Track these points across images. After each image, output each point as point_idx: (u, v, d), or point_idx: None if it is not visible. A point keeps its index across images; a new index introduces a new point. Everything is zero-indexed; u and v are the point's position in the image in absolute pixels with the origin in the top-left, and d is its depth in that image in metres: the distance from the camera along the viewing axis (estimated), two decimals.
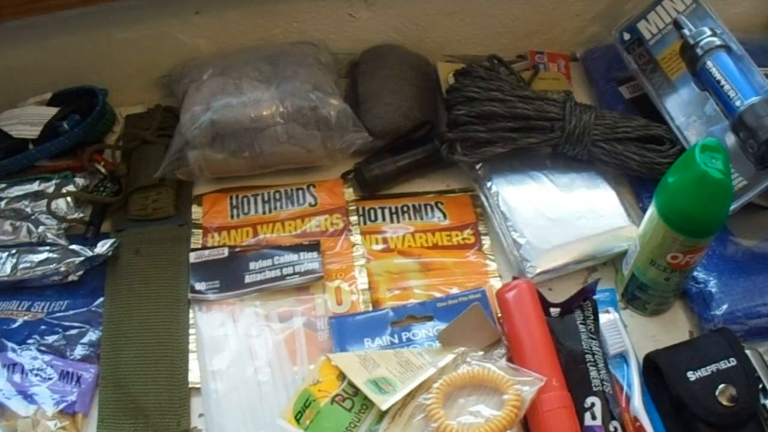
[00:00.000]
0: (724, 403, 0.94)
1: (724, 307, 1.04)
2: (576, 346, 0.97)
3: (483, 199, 1.12)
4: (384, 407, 0.88)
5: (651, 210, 0.97)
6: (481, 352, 0.97)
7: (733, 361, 0.97)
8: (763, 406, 0.97)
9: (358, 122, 1.12)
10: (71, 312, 1.04)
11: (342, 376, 0.93)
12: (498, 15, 1.27)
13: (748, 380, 0.96)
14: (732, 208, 1.05)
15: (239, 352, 0.99)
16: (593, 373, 0.95)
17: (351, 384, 0.91)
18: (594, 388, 0.94)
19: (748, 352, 1.00)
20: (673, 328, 1.07)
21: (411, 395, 0.91)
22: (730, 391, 0.95)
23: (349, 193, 1.14)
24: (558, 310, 1.02)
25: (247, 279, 1.05)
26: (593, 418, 0.92)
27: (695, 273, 1.06)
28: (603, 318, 1.02)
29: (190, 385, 0.98)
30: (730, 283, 1.06)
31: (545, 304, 1.01)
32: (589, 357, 0.96)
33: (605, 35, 1.25)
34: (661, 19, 1.19)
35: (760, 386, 0.98)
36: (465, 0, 1.23)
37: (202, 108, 1.10)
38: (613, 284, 1.09)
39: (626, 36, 1.21)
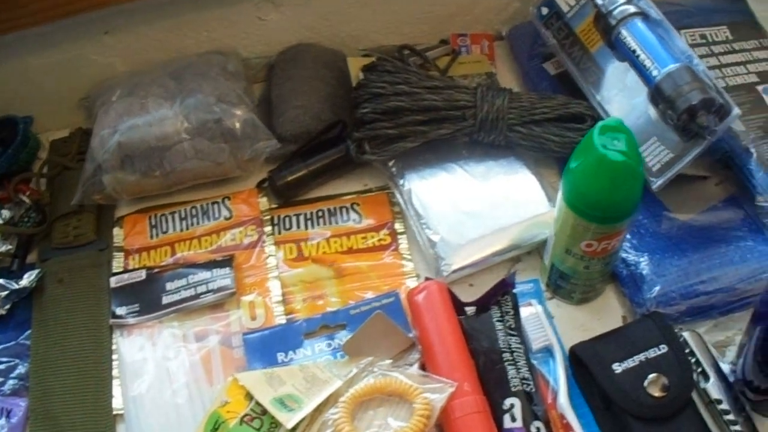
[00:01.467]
0: (655, 394, 0.90)
1: (657, 289, 0.99)
2: (493, 345, 0.94)
3: (398, 196, 1.08)
4: (289, 425, 0.85)
5: (559, 197, 0.92)
6: (389, 361, 0.93)
7: (663, 348, 0.93)
8: (704, 391, 0.93)
9: (265, 130, 1.09)
10: (0, 346, 1.02)
11: (250, 395, 0.90)
12: (413, 2, 1.23)
13: (681, 367, 0.92)
14: (659, 183, 1.01)
15: (157, 375, 0.97)
16: (512, 373, 0.92)
17: (258, 403, 0.89)
18: (513, 389, 0.91)
19: (686, 334, 0.97)
20: (604, 315, 1.02)
21: (319, 410, 0.89)
22: (662, 380, 0.91)
23: (263, 202, 1.10)
24: (474, 308, 0.98)
25: (165, 300, 1.02)
26: (513, 419, 0.89)
27: (624, 255, 1.02)
28: (525, 311, 0.99)
29: (114, 412, 0.96)
30: (663, 263, 1.01)
31: (458, 304, 0.97)
32: (507, 356, 0.93)
33: (527, 11, 1.19)
34: None
35: (699, 370, 0.94)
36: None
37: (109, 131, 1.08)
38: (538, 274, 1.04)
39: (544, 11, 1.16)
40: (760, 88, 1.16)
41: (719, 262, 1.02)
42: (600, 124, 0.86)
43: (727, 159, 1.09)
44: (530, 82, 1.22)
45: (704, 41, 1.19)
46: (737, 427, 0.91)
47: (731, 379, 0.95)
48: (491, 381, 0.92)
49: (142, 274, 1.06)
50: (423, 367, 0.94)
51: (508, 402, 0.90)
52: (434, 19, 1.27)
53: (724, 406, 0.92)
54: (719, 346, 0.99)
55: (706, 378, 0.94)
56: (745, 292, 1.00)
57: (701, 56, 1.16)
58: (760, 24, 1.25)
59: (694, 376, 0.94)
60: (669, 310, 0.99)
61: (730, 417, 0.92)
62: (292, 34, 1.21)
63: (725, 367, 0.96)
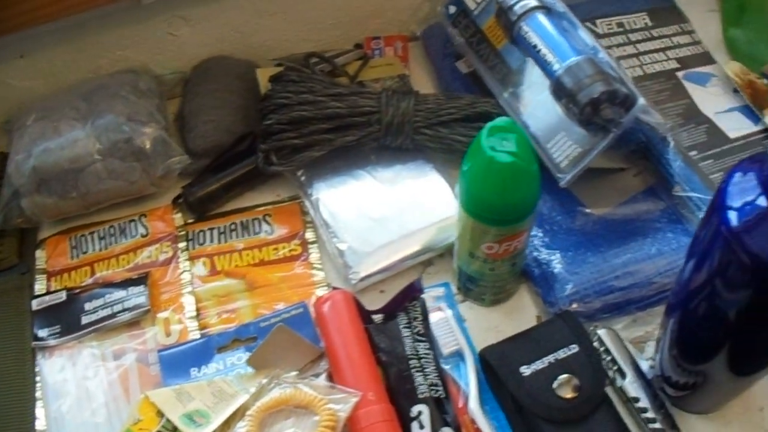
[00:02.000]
0: (566, 395, 0.90)
1: (569, 287, 0.98)
2: (400, 352, 0.94)
3: (308, 206, 1.07)
4: None
5: (458, 200, 0.91)
6: (295, 373, 0.93)
7: (574, 348, 0.93)
8: (621, 389, 0.92)
9: (175, 146, 1.08)
10: None
11: (161, 412, 0.90)
12: (323, 8, 1.22)
13: (592, 367, 0.91)
14: (567, 179, 1.00)
15: (77, 395, 0.97)
16: (419, 379, 0.91)
17: (170, 420, 0.88)
18: (421, 396, 0.90)
19: (601, 332, 0.96)
20: (518, 316, 1.02)
21: (227, 424, 0.88)
22: (573, 381, 0.90)
23: (178, 218, 1.10)
24: (381, 316, 0.97)
25: (84, 320, 1.02)
26: (421, 427, 0.88)
27: (536, 254, 1.01)
28: (435, 316, 0.99)
29: None
30: (576, 260, 1.01)
31: (365, 313, 0.96)
32: (414, 362, 0.92)
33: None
34: None
35: (615, 368, 0.93)
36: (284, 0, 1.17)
37: (24, 156, 1.07)
38: (450, 277, 1.03)
39: (452, 9, 1.15)
40: (680, 74, 1.16)
41: (635, 256, 1.02)
42: (489, 125, 0.85)
43: (644, 149, 1.08)
44: (444, 81, 1.21)
45: (622, 29, 1.19)
46: (656, 425, 0.90)
47: (650, 375, 0.94)
48: (399, 389, 0.92)
49: (63, 296, 1.05)
50: (331, 378, 0.93)
51: (415, 409, 0.90)
52: (347, 24, 1.26)
53: (642, 404, 0.91)
54: (638, 342, 0.98)
55: (623, 376, 0.93)
56: (663, 285, 0.99)
57: (618, 45, 1.15)
58: (681, 9, 1.23)
59: (611, 374, 0.94)
60: (583, 308, 0.98)
61: (649, 415, 0.91)
62: (205, 48, 1.20)
63: (644, 364, 0.95)
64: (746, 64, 1.22)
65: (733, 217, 0.68)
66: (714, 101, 1.17)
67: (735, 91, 1.19)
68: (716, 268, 0.71)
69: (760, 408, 0.95)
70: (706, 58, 1.23)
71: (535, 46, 1.03)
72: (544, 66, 1.02)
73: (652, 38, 1.23)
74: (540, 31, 1.03)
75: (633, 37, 1.22)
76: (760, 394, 0.95)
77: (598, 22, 1.22)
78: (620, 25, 1.23)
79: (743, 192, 0.69)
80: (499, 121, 0.86)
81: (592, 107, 0.97)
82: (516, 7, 1.05)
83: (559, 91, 1.00)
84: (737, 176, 0.71)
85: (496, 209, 0.88)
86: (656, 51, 1.22)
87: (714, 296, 0.73)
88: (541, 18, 1.04)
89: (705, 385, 0.85)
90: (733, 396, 0.93)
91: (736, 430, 0.93)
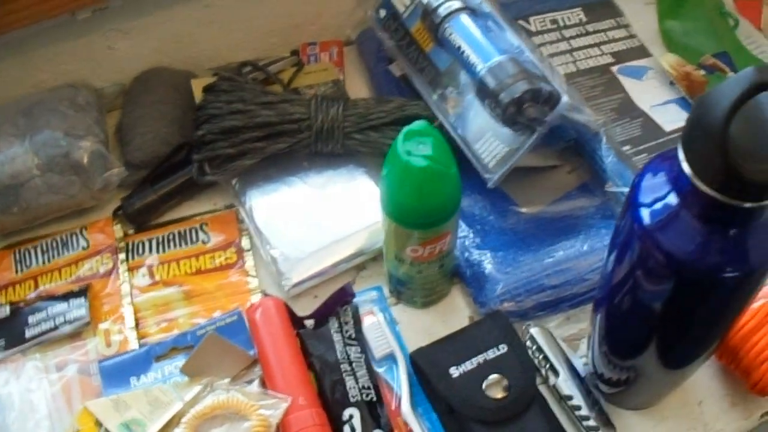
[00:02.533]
0: (496, 395, 0.91)
1: (499, 287, 0.99)
2: (331, 357, 0.95)
3: (243, 214, 1.08)
4: None
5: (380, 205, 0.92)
6: (228, 380, 0.94)
7: (503, 348, 0.94)
8: (554, 388, 0.93)
9: (112, 159, 1.10)
10: None
11: (99, 422, 0.92)
12: (258, 16, 1.23)
13: (521, 366, 0.93)
14: (494, 179, 1.00)
15: (21, 407, 0.98)
16: (350, 383, 0.93)
17: (108, 429, 0.91)
18: (352, 399, 0.91)
19: (534, 330, 0.97)
20: (451, 317, 1.02)
21: None
22: (503, 381, 0.91)
23: (118, 230, 1.11)
24: (313, 321, 0.98)
25: (27, 333, 1.03)
26: (353, 430, 0.90)
27: (467, 254, 1.02)
28: (367, 320, 0.99)
29: None
30: (507, 260, 1.01)
31: (296, 319, 0.98)
32: (345, 366, 0.94)
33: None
34: None
35: (548, 366, 0.94)
36: (219, 8, 1.19)
37: None
38: (383, 280, 1.04)
39: (382, 13, 1.15)
40: (614, 68, 1.16)
41: (567, 254, 1.02)
42: (405, 129, 0.86)
43: (577, 145, 1.08)
44: (377, 85, 1.22)
45: (555, 26, 1.20)
46: (590, 422, 0.91)
47: (583, 373, 0.95)
48: (330, 393, 0.93)
49: (6, 310, 1.06)
50: (264, 384, 0.94)
51: (347, 413, 0.91)
52: (283, 31, 1.27)
53: (576, 401, 0.92)
54: (572, 340, 0.99)
55: (556, 374, 0.94)
56: (596, 282, 0.99)
57: (552, 42, 1.16)
58: (615, 3, 1.24)
59: (544, 372, 0.95)
60: (515, 308, 0.99)
61: (582, 412, 0.92)
62: (144, 60, 1.21)
63: (577, 362, 0.96)
64: (683, 55, 1.23)
65: (645, 215, 0.69)
66: (650, 94, 1.18)
67: (671, 83, 1.19)
68: (636, 262, 0.72)
69: (699, 402, 0.96)
70: (642, 52, 1.24)
71: (459, 48, 1.04)
72: (468, 67, 1.03)
73: (587, 33, 1.23)
74: (463, 32, 1.04)
75: (567, 33, 1.23)
76: (700, 388, 0.96)
77: (531, 19, 1.23)
78: (554, 21, 1.24)
79: (655, 189, 0.70)
80: (416, 125, 0.87)
81: (516, 107, 0.98)
82: (440, 9, 1.06)
83: (482, 91, 1.01)
84: (650, 173, 0.72)
85: (416, 213, 0.89)
86: (590, 46, 1.22)
87: (636, 290, 0.74)
88: (465, 19, 1.05)
89: (638, 381, 0.85)
90: (669, 390, 0.93)
91: (673, 424, 0.94)
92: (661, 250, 0.68)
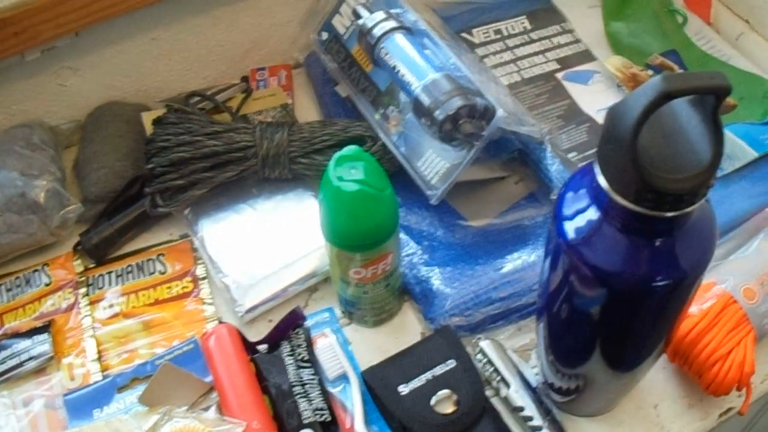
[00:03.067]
0: (445, 411, 0.92)
1: (448, 302, 1.00)
2: (284, 380, 0.97)
3: (197, 243, 1.10)
4: None
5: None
6: (185, 407, 0.96)
7: (451, 363, 0.95)
8: (506, 399, 0.94)
9: (68, 196, 1.12)
10: None
11: None
12: (205, 46, 1.25)
13: (470, 380, 0.94)
14: (437, 195, 1.02)
15: None
16: (304, 405, 0.94)
17: None
18: (305, 421, 0.93)
19: (483, 343, 0.98)
20: (403, 335, 1.04)
21: None
22: (452, 396, 0.93)
23: (78, 265, 1.13)
24: (266, 346, 1.00)
25: None
26: None
27: (416, 272, 1.03)
28: (320, 342, 1.01)
29: None
30: (455, 275, 1.03)
31: (249, 344, 1.00)
32: (298, 389, 0.95)
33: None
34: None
35: (499, 378, 0.95)
36: (165, 41, 1.21)
37: None
38: (335, 302, 1.06)
39: (324, 35, 1.17)
40: (559, 75, 1.17)
41: (515, 265, 1.04)
42: (337, 155, 0.88)
43: (523, 156, 1.09)
44: (325, 107, 1.23)
45: (499, 36, 1.21)
46: None
47: (535, 383, 0.96)
48: (284, 415, 0.94)
49: None
50: (221, 410, 0.96)
51: None
52: (231, 58, 1.29)
53: (528, 412, 0.93)
54: (524, 351, 1.00)
55: (507, 385, 0.95)
56: None
57: (495, 52, 1.17)
58: (559, 9, 1.24)
59: (495, 384, 0.96)
60: (464, 322, 1.00)
61: (535, 423, 0.93)
62: (97, 95, 1.23)
63: (529, 372, 0.97)
64: (630, 57, 1.24)
65: (569, 229, 0.71)
66: (596, 99, 1.19)
67: (618, 86, 1.20)
68: (567, 270, 0.73)
69: (655, 405, 0.97)
70: (587, 56, 1.25)
71: (394, 67, 1.05)
72: (404, 86, 1.05)
73: (531, 41, 1.24)
74: (398, 51, 1.06)
75: (510, 42, 1.23)
76: (655, 391, 0.98)
77: (474, 31, 1.23)
78: (498, 32, 1.25)
79: (578, 202, 0.71)
80: (347, 150, 0.89)
81: (452, 123, 1.00)
82: (375, 30, 1.07)
83: (418, 110, 1.03)
84: (573, 186, 0.73)
85: (353, 237, 0.91)
86: (535, 54, 1.23)
87: (572, 297, 0.75)
88: (400, 39, 1.06)
89: (588, 388, 0.86)
90: (622, 395, 0.95)
91: (629, 429, 0.95)
92: (587, 264, 0.69)
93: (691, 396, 0.96)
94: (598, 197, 0.68)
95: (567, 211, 0.72)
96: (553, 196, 1.06)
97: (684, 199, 0.62)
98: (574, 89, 1.20)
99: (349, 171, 0.87)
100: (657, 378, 0.98)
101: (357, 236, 0.91)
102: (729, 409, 0.95)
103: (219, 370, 0.98)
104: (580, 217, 0.70)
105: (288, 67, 1.31)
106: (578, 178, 0.73)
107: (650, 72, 1.21)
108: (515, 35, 1.25)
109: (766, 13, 1.30)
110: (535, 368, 0.97)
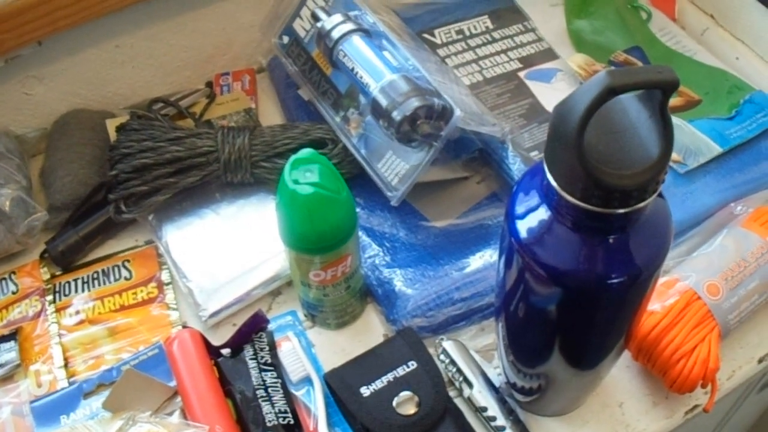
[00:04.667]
0: (408, 412, 0.93)
1: (409, 304, 1.01)
2: (247, 383, 0.97)
3: (161, 249, 1.10)
4: None
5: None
6: (149, 412, 0.96)
7: (413, 365, 0.96)
8: (469, 399, 0.94)
9: (34, 205, 1.12)
10: None
11: None
12: (168, 52, 1.25)
13: (431, 380, 0.94)
14: (397, 196, 1.02)
15: None
16: (267, 408, 0.95)
17: None
18: (268, 424, 0.94)
19: (446, 344, 0.98)
20: (366, 337, 1.04)
21: None
22: (413, 397, 0.93)
23: (45, 272, 1.13)
24: (229, 350, 1.00)
25: None
26: None
27: (377, 273, 1.04)
28: (283, 345, 1.01)
29: None
30: (416, 276, 1.04)
31: (213, 348, 1.00)
32: (261, 392, 0.96)
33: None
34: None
35: (462, 379, 0.95)
36: (129, 47, 1.22)
37: None
38: (298, 305, 1.06)
39: (285, 39, 1.17)
40: (522, 74, 1.18)
41: (477, 265, 1.04)
42: (292, 158, 0.89)
43: (485, 155, 1.09)
44: (288, 110, 1.23)
45: (461, 36, 1.21)
46: None
47: (498, 383, 0.97)
48: (248, 419, 0.95)
49: None
50: (185, 415, 0.97)
51: None
52: (195, 64, 1.29)
53: (491, 412, 0.94)
54: (487, 351, 1.01)
55: (470, 386, 0.96)
56: None
57: (457, 52, 1.18)
58: (521, 7, 1.25)
59: (458, 385, 0.97)
60: (427, 323, 1.01)
61: (498, 423, 0.93)
62: (62, 103, 1.23)
63: (492, 372, 0.98)
64: (593, 54, 1.24)
65: (522, 228, 0.71)
66: (559, 97, 1.16)
67: (581, 83, 1.19)
68: (522, 269, 0.73)
69: (620, 404, 0.97)
70: (550, 54, 1.25)
71: (352, 69, 1.06)
72: (361, 88, 1.05)
73: (493, 41, 1.25)
74: (356, 53, 1.06)
75: (473, 42, 1.24)
76: (620, 389, 0.98)
77: (436, 32, 1.24)
78: (459, 32, 1.25)
79: (529, 201, 0.71)
80: (302, 153, 0.89)
81: (409, 124, 1.00)
82: (333, 33, 1.08)
83: (376, 111, 1.03)
84: (524, 185, 0.74)
85: (310, 239, 0.91)
86: (497, 53, 1.23)
87: (528, 295, 0.75)
88: (357, 40, 1.07)
89: (550, 387, 0.86)
90: (585, 394, 0.95)
91: (594, 428, 0.96)
92: (540, 263, 0.70)
93: (656, 394, 0.96)
94: (548, 195, 0.68)
95: (519, 209, 0.72)
96: None
97: (633, 195, 0.62)
98: (536, 88, 1.21)
99: (304, 174, 0.88)
100: (621, 376, 0.99)
101: (314, 239, 0.91)
102: (695, 407, 0.95)
103: (182, 374, 0.98)
104: (532, 216, 0.71)
105: (251, 71, 1.31)
106: (529, 178, 0.74)
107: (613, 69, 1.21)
108: (477, 35, 1.25)
109: (731, 8, 1.31)
110: (497, 368, 0.98)
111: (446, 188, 1.11)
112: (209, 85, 1.29)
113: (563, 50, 1.27)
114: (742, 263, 0.96)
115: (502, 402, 0.93)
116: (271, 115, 1.24)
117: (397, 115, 1.00)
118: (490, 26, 1.27)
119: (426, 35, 1.23)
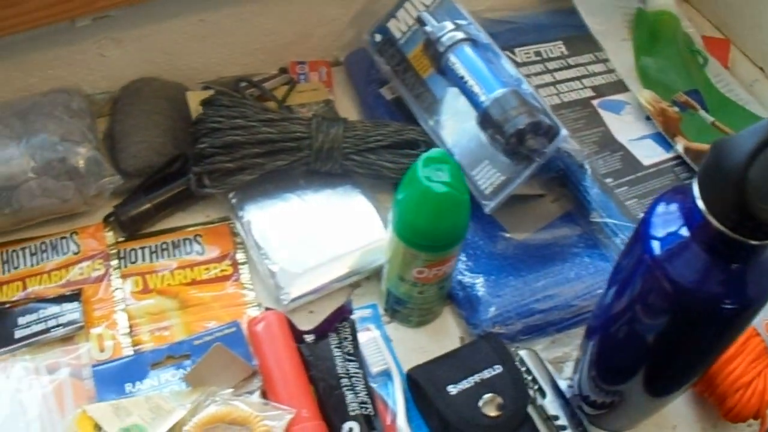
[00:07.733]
0: (491, 413, 0.93)
1: (492, 310, 1.02)
2: (331, 371, 0.97)
3: (239, 228, 1.09)
4: None
5: (390, 226, 0.94)
6: (231, 390, 0.95)
7: (498, 368, 0.96)
8: (541, 407, 0.96)
9: (108, 167, 1.10)
10: None
11: (98, 426, 0.91)
12: (250, 33, 1.25)
13: (515, 386, 0.95)
14: (491, 206, 1.04)
15: (11, 408, 0.97)
16: (350, 397, 0.94)
17: None
18: (351, 413, 0.93)
19: (522, 353, 0.99)
20: (443, 337, 1.05)
21: None
22: (497, 400, 0.94)
23: (110, 236, 1.11)
24: (313, 336, 1.00)
25: (17, 334, 1.02)
26: None
27: (460, 277, 1.04)
28: (363, 336, 1.01)
29: None
30: (499, 284, 1.04)
31: (297, 333, 0.99)
32: (345, 381, 0.95)
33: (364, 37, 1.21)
34: (410, 15, 1.16)
35: (536, 387, 0.97)
36: (213, 24, 1.20)
37: None
38: (377, 299, 1.06)
39: (378, 37, 1.18)
40: (595, 102, 1.20)
41: (555, 280, 1.06)
42: (424, 156, 0.89)
43: (562, 176, 1.12)
44: (367, 107, 1.23)
45: (539, 58, 1.23)
46: None
47: (568, 394, 0.98)
48: (330, 406, 0.95)
49: None
50: (264, 395, 0.96)
51: (346, 426, 0.93)
52: (272, 49, 1.28)
53: (561, 421, 0.96)
54: (557, 362, 1.03)
55: (543, 395, 0.98)
56: (581, 308, 1.04)
57: (537, 73, 1.19)
58: (595, 37, 1.27)
59: (531, 393, 0.98)
60: (505, 330, 1.02)
61: None
62: (135, 69, 1.21)
63: (562, 383, 0.99)
64: (658, 92, 1.27)
65: (656, 246, 0.73)
66: (628, 129, 1.22)
67: (647, 118, 1.23)
68: (638, 295, 0.76)
69: (673, 426, 1.00)
70: (620, 86, 1.28)
71: (462, 78, 1.07)
72: (471, 97, 1.06)
73: (569, 67, 1.27)
74: (467, 63, 1.07)
75: (550, 65, 1.26)
76: (674, 413, 1.01)
77: (516, 51, 1.26)
78: (538, 54, 1.27)
79: (666, 222, 0.74)
80: (434, 152, 0.90)
81: (518, 138, 1.02)
82: (444, 39, 1.09)
83: (485, 122, 1.04)
84: (660, 207, 0.76)
85: (429, 236, 0.92)
86: (573, 79, 1.26)
87: (634, 321, 0.78)
88: (468, 50, 1.08)
89: (621, 405, 0.89)
90: (649, 415, 0.97)
91: None
92: (668, 278, 0.72)
93: (706, 421, 0.99)
94: (689, 218, 0.71)
95: (654, 231, 0.74)
96: (593, 218, 1.09)
97: None
98: (607, 117, 1.23)
99: (435, 173, 0.89)
100: (677, 401, 1.01)
101: (433, 236, 0.92)
102: None
103: (267, 356, 0.97)
104: (668, 235, 0.73)
105: (328, 64, 1.31)
106: (666, 201, 0.76)
107: (676, 109, 1.25)
108: (554, 59, 1.27)
109: None
110: (567, 380, 1.00)
111: (523, 203, 1.13)
112: (283, 71, 1.28)
113: (630, 84, 1.29)
114: None
115: (571, 413, 0.95)
116: (347, 109, 1.24)
117: (509, 129, 1.02)
118: (565, 52, 1.29)
119: (507, 53, 1.25)
